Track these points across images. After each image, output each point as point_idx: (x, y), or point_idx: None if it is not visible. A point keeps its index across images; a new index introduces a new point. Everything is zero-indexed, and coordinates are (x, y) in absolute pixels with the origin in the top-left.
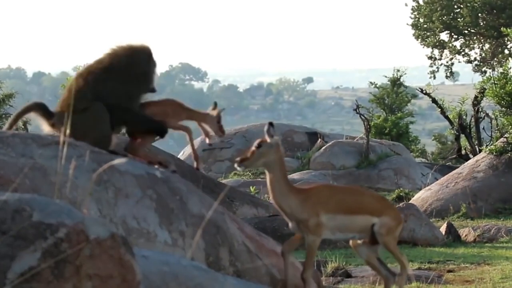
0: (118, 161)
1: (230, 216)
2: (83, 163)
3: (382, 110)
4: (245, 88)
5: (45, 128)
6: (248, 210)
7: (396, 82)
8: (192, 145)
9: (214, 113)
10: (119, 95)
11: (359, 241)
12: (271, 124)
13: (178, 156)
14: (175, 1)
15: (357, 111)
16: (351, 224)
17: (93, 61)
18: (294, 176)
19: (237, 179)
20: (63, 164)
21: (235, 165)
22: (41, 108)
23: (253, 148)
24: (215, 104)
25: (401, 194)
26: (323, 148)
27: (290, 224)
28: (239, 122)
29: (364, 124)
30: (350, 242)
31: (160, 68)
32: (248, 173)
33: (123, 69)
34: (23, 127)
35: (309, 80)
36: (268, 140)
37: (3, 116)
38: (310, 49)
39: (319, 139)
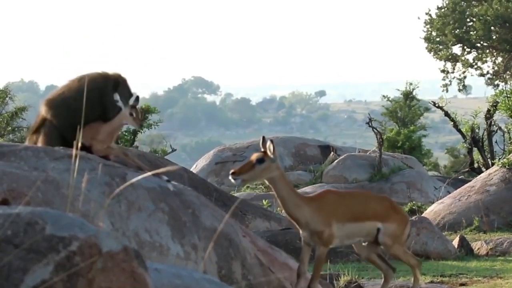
0: (138, 178)
1: (243, 230)
2: (95, 177)
3: (394, 123)
4: (257, 101)
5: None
6: (261, 223)
7: (408, 96)
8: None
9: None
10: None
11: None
12: (271, 141)
13: (191, 169)
14: (188, 15)
15: (370, 124)
16: (358, 231)
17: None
18: (307, 189)
19: (250, 192)
20: (75, 177)
21: (230, 178)
22: None
23: (252, 161)
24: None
25: (413, 207)
26: (336, 161)
27: (301, 233)
28: (251, 135)
29: (376, 137)
30: None
31: (173, 81)
32: (260, 186)
33: (78, 98)
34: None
35: (322, 93)
36: (270, 155)
37: (16, 129)
38: (322, 63)
39: (332, 152)
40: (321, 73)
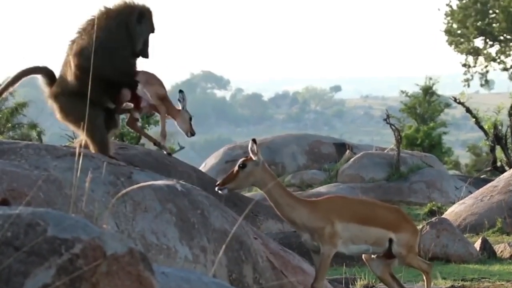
0: (148, 183)
1: (254, 231)
2: (99, 176)
3: (413, 120)
4: (269, 97)
5: (45, 95)
6: (273, 224)
7: (428, 91)
8: (163, 124)
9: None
10: (108, 73)
11: (372, 256)
12: (254, 141)
13: (200, 168)
14: (196, 7)
15: (387, 121)
16: (365, 235)
17: (80, 31)
18: (321, 189)
19: (262, 192)
20: (78, 176)
21: (216, 189)
22: (47, 74)
23: (236, 168)
24: (182, 93)
25: (433, 208)
26: (352, 159)
27: (303, 238)
28: (263, 132)
29: (394, 134)
30: (363, 255)
31: (181, 76)
32: None
33: (109, 37)
34: (37, 137)
35: (337, 88)
36: (253, 158)
37: (16, 126)
38: (338, 56)
39: (348, 150)
40: (337, 67)
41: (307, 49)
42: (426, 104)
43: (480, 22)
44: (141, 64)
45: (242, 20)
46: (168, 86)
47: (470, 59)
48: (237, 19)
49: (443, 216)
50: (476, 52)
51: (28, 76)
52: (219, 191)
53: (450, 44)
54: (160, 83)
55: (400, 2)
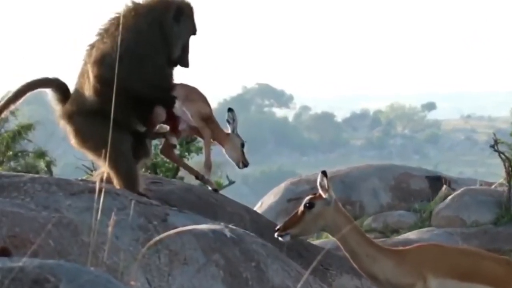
0: (188, 228)
1: None
2: (126, 218)
3: None
4: (344, 117)
5: (56, 115)
6: (349, 281)
7: None
8: (208, 152)
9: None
10: (137, 86)
11: None
12: (324, 173)
13: (255, 208)
14: (249, 4)
15: (495, 147)
16: None
17: (103, 33)
18: (410, 235)
19: (334, 239)
20: (99, 219)
21: (276, 236)
22: (59, 88)
23: (301, 209)
24: (232, 112)
25: None
26: (450, 197)
27: None
28: (336, 162)
29: (504, 165)
30: None
31: (231, 90)
32: None
33: (138, 40)
34: (46, 169)
35: (431, 106)
36: (323, 195)
37: (19, 154)
38: (431, 66)
39: (444, 186)
40: (430, 79)
41: (391, 56)
42: None
43: None
44: (180, 75)
45: (308, 21)
46: (214, 103)
47: None
48: (302, 19)
49: None
50: None
51: (35, 91)
52: (280, 238)
53: None
54: (203, 100)
55: None
